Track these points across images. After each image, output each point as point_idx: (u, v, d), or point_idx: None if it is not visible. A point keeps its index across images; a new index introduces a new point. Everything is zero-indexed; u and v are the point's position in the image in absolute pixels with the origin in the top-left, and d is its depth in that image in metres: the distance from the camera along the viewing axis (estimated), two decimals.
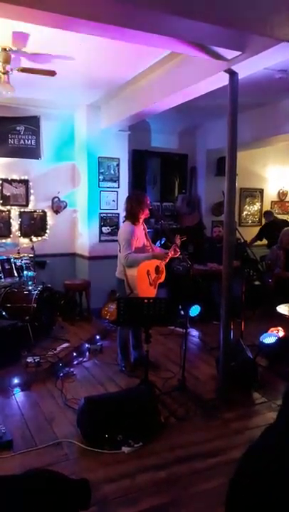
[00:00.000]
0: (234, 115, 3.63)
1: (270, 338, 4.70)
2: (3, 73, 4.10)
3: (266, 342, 4.69)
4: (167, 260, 4.30)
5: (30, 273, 5.44)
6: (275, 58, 3.40)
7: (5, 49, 3.98)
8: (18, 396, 3.91)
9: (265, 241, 7.80)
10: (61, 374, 4.32)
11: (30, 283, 5.35)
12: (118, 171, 6.59)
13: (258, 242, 7.91)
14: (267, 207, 8.69)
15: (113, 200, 6.60)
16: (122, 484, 2.68)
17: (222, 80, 3.81)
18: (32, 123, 6.36)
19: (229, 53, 3.42)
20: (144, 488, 2.65)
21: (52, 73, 4.31)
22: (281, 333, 4.72)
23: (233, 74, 3.61)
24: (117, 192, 6.61)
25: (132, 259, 4.08)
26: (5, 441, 3.05)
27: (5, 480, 2.01)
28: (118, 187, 6.62)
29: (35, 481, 1.97)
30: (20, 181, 6.41)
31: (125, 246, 4.13)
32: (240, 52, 3.37)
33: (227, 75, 3.62)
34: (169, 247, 4.48)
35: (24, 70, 4.22)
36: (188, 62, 4.15)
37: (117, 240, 4.40)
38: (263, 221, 8.65)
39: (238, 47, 3.31)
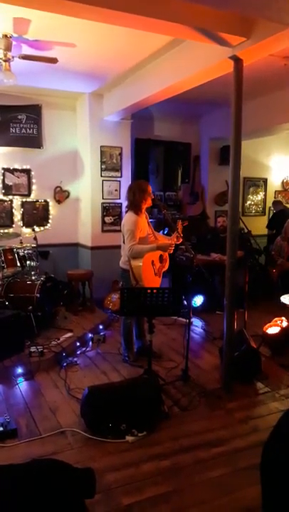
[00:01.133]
0: (239, 103, 3.58)
1: (273, 328, 4.70)
2: (5, 60, 4.05)
3: (270, 332, 4.69)
4: (172, 249, 4.27)
5: (33, 263, 5.43)
6: (281, 44, 3.33)
7: (6, 35, 3.93)
8: (22, 385, 3.93)
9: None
10: (64, 364, 4.33)
11: (33, 273, 5.35)
12: (121, 160, 6.55)
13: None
14: (270, 196, 8.63)
15: (116, 190, 6.56)
16: (125, 473, 2.69)
17: (226, 67, 3.75)
18: (34, 112, 6.30)
19: (234, 39, 3.36)
20: (148, 476, 2.66)
21: (53, 60, 4.25)
22: (285, 324, 4.71)
23: (237, 60, 3.55)
24: (119, 181, 6.57)
25: (137, 250, 4.06)
26: (9, 430, 3.07)
27: (10, 469, 2.02)
28: (121, 176, 6.57)
29: (41, 469, 1.98)
30: (22, 171, 6.37)
31: (129, 237, 4.10)
32: (245, 38, 3.31)
33: (232, 62, 3.56)
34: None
35: (25, 57, 4.16)
36: (192, 48, 4.08)
37: (119, 230, 4.38)
38: (267, 211, 8.62)
39: (243, 32, 3.25)
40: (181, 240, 4.25)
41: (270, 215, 8.49)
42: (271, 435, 1.20)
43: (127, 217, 4.23)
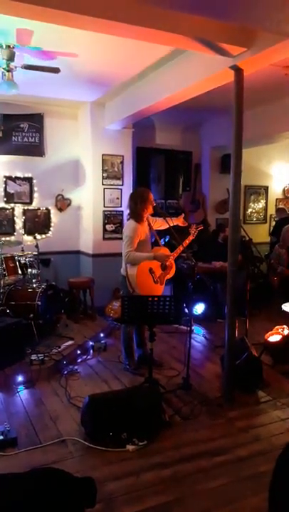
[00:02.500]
0: (240, 112, 3.60)
1: (275, 336, 4.69)
2: (8, 70, 4.09)
3: (271, 340, 4.67)
4: (169, 261, 4.25)
5: (35, 271, 5.44)
6: (281, 54, 3.37)
7: (9, 46, 3.97)
8: (23, 393, 3.92)
9: None
10: (65, 372, 4.32)
11: (34, 281, 5.36)
12: (122, 169, 6.58)
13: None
14: (272, 204, 8.66)
15: (117, 198, 6.59)
16: (126, 482, 2.67)
17: (227, 76, 3.79)
18: (36, 120, 6.36)
19: (234, 49, 3.39)
20: (149, 486, 2.64)
21: (56, 70, 4.30)
22: (286, 332, 4.69)
23: (238, 70, 3.58)
24: (121, 189, 6.60)
25: (133, 257, 4.07)
26: (9, 439, 3.05)
27: (11, 478, 2.01)
28: (122, 184, 6.61)
29: (41, 479, 1.97)
30: (24, 179, 6.41)
31: (127, 243, 4.11)
32: (245, 49, 3.35)
33: (232, 72, 3.60)
34: (172, 245, 4.48)
35: (28, 67, 4.21)
36: (193, 58, 4.12)
37: (121, 238, 4.39)
38: (268, 219, 8.63)
39: (244, 43, 3.29)
40: (187, 242, 4.29)
41: (271, 223, 8.51)
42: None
43: (128, 224, 4.27)
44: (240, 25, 3.02)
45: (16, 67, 4.12)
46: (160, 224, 4.45)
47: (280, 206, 8.45)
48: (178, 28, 3.03)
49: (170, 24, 2.98)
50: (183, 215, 4.73)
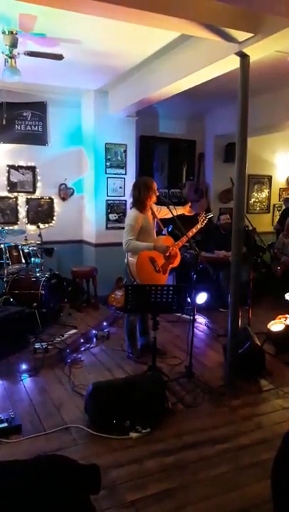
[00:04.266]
0: (245, 99, 3.56)
1: (277, 325, 4.69)
2: (10, 57, 4.04)
3: (274, 329, 4.68)
4: (171, 251, 4.23)
5: (38, 260, 5.44)
6: (288, 40, 3.31)
7: (12, 32, 3.92)
8: (27, 382, 3.94)
9: None
10: (69, 360, 4.35)
11: (37, 270, 5.36)
12: (125, 158, 6.54)
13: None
14: (275, 194, 8.61)
15: (120, 187, 6.56)
16: (130, 469, 2.70)
17: (233, 63, 3.74)
18: (39, 109, 6.31)
19: (241, 35, 3.34)
20: (153, 473, 2.67)
21: (59, 57, 4.24)
22: None
23: (244, 57, 3.53)
24: (124, 179, 6.56)
25: (133, 245, 4.05)
26: (14, 426, 3.08)
27: (16, 465, 2.03)
28: (125, 174, 6.57)
29: (46, 465, 1.99)
30: (27, 168, 6.38)
31: (127, 232, 4.10)
32: (252, 34, 3.29)
33: (238, 58, 3.55)
34: (176, 235, 4.45)
35: (31, 53, 4.15)
36: (198, 45, 4.06)
37: (124, 227, 4.37)
38: (271, 208, 8.59)
39: (250, 28, 3.23)
40: (194, 231, 4.28)
41: (275, 213, 8.47)
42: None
43: (129, 213, 4.27)
44: (247, 9, 2.96)
45: (18, 53, 4.07)
46: (165, 213, 4.42)
47: (287, 196, 8.36)
48: (184, 13, 2.97)
49: (176, 9, 2.92)
50: (189, 203, 4.67)
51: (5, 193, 6.29)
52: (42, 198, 6.55)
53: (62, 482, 1.88)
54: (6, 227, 5.75)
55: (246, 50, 3.47)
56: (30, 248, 5.48)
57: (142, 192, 4.16)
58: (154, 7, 2.89)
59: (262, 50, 3.52)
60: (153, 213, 4.34)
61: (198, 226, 4.36)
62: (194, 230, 4.31)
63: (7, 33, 3.90)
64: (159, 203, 4.38)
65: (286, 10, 2.88)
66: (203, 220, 4.38)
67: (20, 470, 1.92)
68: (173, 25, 3.29)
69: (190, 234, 4.21)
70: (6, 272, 5.09)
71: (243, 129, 3.60)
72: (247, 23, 3.16)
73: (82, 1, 2.80)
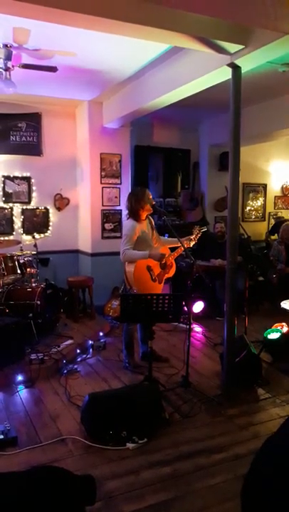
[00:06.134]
0: (237, 110, 3.61)
1: (274, 333, 4.69)
2: (5, 70, 4.09)
3: (270, 338, 4.68)
4: (166, 260, 4.25)
5: (34, 270, 5.43)
6: (279, 51, 3.36)
7: (6, 45, 3.96)
8: (23, 393, 3.92)
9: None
10: (65, 371, 4.33)
11: (33, 280, 5.35)
12: (120, 167, 6.57)
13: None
14: (270, 202, 8.66)
15: (115, 197, 6.59)
16: (126, 480, 2.68)
17: (225, 74, 3.79)
18: (34, 119, 6.35)
19: (232, 47, 3.39)
20: (149, 484, 2.65)
21: (53, 69, 4.29)
22: (285, 329, 4.70)
23: (235, 68, 3.58)
24: (119, 188, 6.59)
25: (129, 255, 4.08)
26: (10, 438, 3.05)
27: (11, 476, 2.01)
28: (120, 183, 6.60)
29: (41, 477, 1.97)
30: (23, 178, 6.40)
31: (124, 241, 4.13)
32: (243, 46, 3.34)
33: (230, 69, 3.60)
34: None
35: (26, 66, 4.20)
36: (191, 56, 4.12)
37: (119, 237, 4.40)
38: (267, 216, 8.64)
39: (241, 40, 3.28)
40: (190, 244, 4.28)
41: (270, 221, 8.52)
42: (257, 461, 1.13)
43: (126, 223, 4.30)
44: (238, 23, 3.01)
45: (13, 66, 4.11)
46: (172, 244, 4.43)
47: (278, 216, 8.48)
48: (176, 26, 3.02)
49: (168, 22, 2.97)
50: (193, 235, 4.39)
51: (0, 204, 6.30)
52: (37, 208, 6.56)
53: (57, 493, 1.87)
54: (2, 238, 5.75)
55: (238, 62, 3.52)
56: (26, 258, 5.46)
57: (134, 203, 4.22)
58: (148, 21, 2.94)
59: (253, 62, 3.57)
60: (150, 222, 4.36)
61: (192, 238, 4.34)
62: (188, 244, 4.31)
63: (1, 46, 3.95)
64: (154, 212, 4.41)
65: (274, 24, 2.93)
66: (197, 234, 4.38)
67: (14, 481, 1.91)
68: (165, 38, 3.34)
69: (186, 245, 4.23)
70: (1, 282, 5.08)
71: (236, 138, 3.64)
72: (238, 35, 3.21)
73: (76, 16, 2.83)
